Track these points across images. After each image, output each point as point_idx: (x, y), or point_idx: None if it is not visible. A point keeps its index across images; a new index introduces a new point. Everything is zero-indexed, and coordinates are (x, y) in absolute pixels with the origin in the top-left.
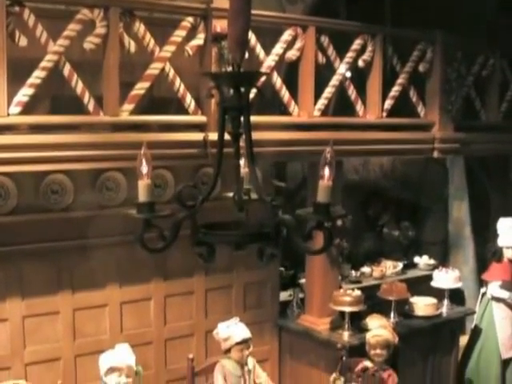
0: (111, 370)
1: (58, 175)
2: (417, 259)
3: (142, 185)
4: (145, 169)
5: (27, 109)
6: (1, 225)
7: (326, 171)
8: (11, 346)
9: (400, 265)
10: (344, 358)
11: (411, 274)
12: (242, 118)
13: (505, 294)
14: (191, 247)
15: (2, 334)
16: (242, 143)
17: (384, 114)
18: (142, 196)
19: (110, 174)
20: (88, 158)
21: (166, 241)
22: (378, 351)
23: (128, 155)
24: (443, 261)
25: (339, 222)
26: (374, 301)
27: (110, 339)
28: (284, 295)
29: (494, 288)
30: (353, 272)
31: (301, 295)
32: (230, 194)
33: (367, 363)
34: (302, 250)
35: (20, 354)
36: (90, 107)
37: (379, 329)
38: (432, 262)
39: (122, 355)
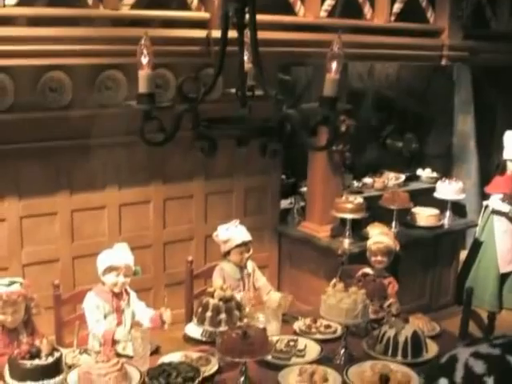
0: (109, 269)
1: (56, 72)
2: (419, 172)
3: (143, 75)
4: (145, 59)
5: (25, 0)
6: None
7: (334, 64)
8: (8, 247)
9: (402, 177)
10: (344, 265)
11: (413, 186)
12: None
13: (506, 208)
14: (192, 142)
15: None
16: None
17: (392, 18)
18: (143, 87)
19: (110, 72)
20: (87, 53)
21: (167, 134)
22: (379, 258)
23: (128, 51)
24: (446, 174)
25: (343, 128)
26: (375, 211)
27: (109, 241)
28: (284, 203)
29: (495, 201)
30: (354, 182)
31: (301, 203)
32: (233, 90)
33: (368, 270)
34: (307, 145)
35: (17, 254)
36: (90, 0)
37: (380, 236)
38: (435, 174)
39: (120, 254)
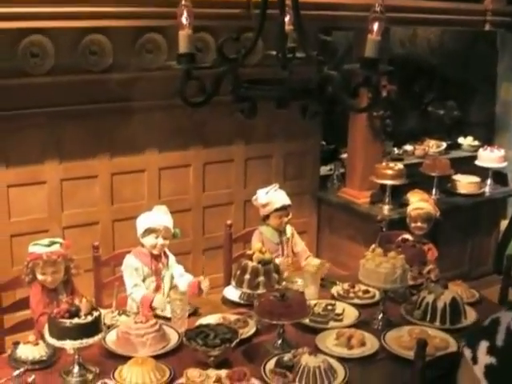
0: (148, 230)
1: (96, 35)
2: (461, 140)
3: (183, 35)
4: (185, 19)
5: None
6: (38, 85)
7: (375, 25)
8: (49, 210)
9: (443, 144)
10: (383, 230)
11: (454, 154)
12: None
13: None
14: (232, 104)
15: (40, 196)
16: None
17: None
18: (183, 47)
19: (150, 35)
20: (127, 15)
21: (207, 94)
22: (419, 224)
23: (168, 13)
24: (488, 143)
25: (384, 93)
26: (415, 178)
27: (148, 205)
28: (324, 170)
29: None
30: (395, 149)
31: (341, 170)
32: (273, 53)
33: (407, 236)
34: (348, 107)
35: (57, 217)
36: None
37: (421, 202)
38: (476, 143)
39: (159, 216)
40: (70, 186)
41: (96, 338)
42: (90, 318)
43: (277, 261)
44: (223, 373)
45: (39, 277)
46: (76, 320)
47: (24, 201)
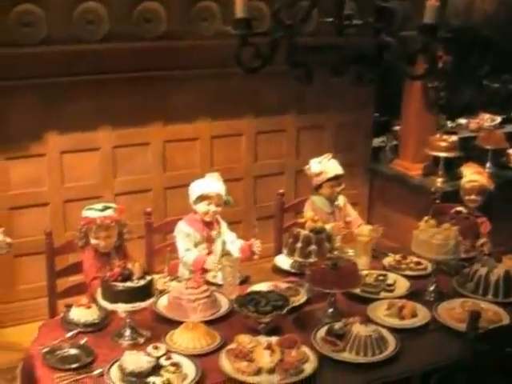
0: (201, 197)
1: (151, 3)
2: None
3: (238, 0)
4: None
5: None
6: (93, 52)
7: None
8: (102, 176)
9: (498, 118)
10: (437, 202)
11: (509, 128)
12: None
13: None
14: (287, 70)
15: (93, 163)
16: None
17: None
18: (239, 11)
19: (205, 3)
20: None
21: (263, 60)
22: (473, 197)
23: None
24: None
25: (440, 64)
26: (469, 151)
27: (200, 173)
28: (376, 142)
29: None
30: (448, 123)
31: (394, 142)
32: (330, 20)
33: (460, 208)
34: (404, 74)
35: (110, 183)
36: None
37: (475, 175)
38: None
39: (212, 183)
40: (123, 153)
41: (148, 302)
42: (142, 282)
43: (327, 226)
44: (274, 340)
45: (92, 241)
46: (129, 284)
47: (77, 167)
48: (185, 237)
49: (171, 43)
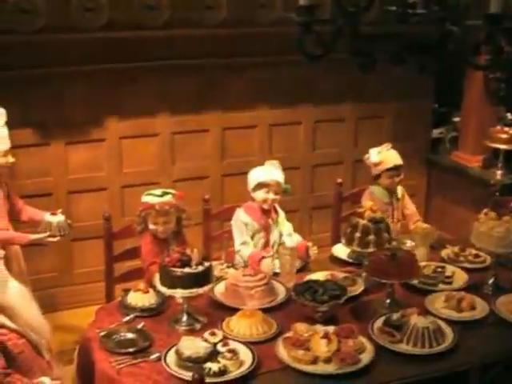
0: (260, 185)
1: None
2: None
3: None
4: None
5: None
6: (154, 38)
7: None
8: (160, 162)
9: None
10: (496, 195)
11: None
12: None
13: None
14: (349, 58)
15: (151, 149)
16: None
17: None
18: None
19: None
20: None
21: (325, 47)
22: None
23: None
24: None
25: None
26: None
27: (258, 161)
28: (435, 133)
29: None
30: (508, 115)
31: (453, 133)
32: (393, 8)
33: None
34: (468, 64)
35: (168, 170)
36: None
37: None
38: None
39: (271, 171)
40: (181, 140)
41: (206, 288)
42: (200, 268)
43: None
44: (330, 329)
45: (151, 226)
46: (187, 269)
47: (136, 153)
48: (242, 226)
49: (231, 31)
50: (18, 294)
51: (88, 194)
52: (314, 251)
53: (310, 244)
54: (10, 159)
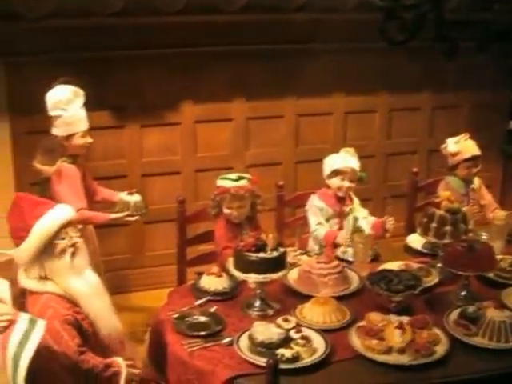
0: (335, 172)
1: None
2: None
3: None
4: None
5: None
6: (231, 22)
7: None
8: (234, 147)
9: None
10: None
11: None
12: None
13: None
14: (433, 43)
15: (225, 134)
16: None
17: None
18: None
19: None
20: None
21: (409, 33)
22: None
23: None
24: None
25: None
26: None
27: (332, 148)
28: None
29: None
30: None
31: None
32: None
33: None
34: None
35: (242, 155)
36: None
37: None
38: None
39: (346, 159)
40: (256, 125)
41: (280, 274)
42: (275, 254)
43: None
44: (405, 319)
45: (225, 210)
46: (262, 254)
47: (210, 137)
48: (317, 211)
49: (308, 16)
50: (89, 286)
51: (162, 177)
52: (390, 223)
53: (386, 217)
54: (88, 140)
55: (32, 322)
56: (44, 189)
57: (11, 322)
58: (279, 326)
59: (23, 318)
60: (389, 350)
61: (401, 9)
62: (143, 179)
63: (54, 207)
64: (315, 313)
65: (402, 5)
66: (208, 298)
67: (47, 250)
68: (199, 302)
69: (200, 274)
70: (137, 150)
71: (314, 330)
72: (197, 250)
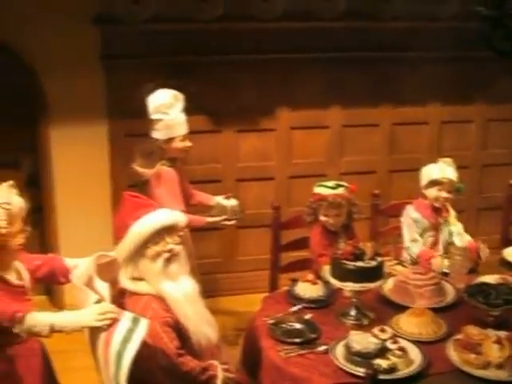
0: (432, 183)
1: None
2: None
3: None
4: None
5: None
6: (330, 29)
7: None
8: (328, 154)
9: None
10: None
11: None
12: None
13: None
14: None
15: (321, 141)
16: None
17: None
18: None
19: None
20: None
21: None
22: None
23: None
24: None
25: None
26: None
27: (426, 158)
28: None
29: None
30: None
31: None
32: None
33: None
34: None
35: (336, 162)
36: None
37: None
38: None
39: (445, 169)
40: (351, 133)
41: (377, 284)
42: (373, 263)
43: None
44: (503, 334)
45: (321, 218)
46: (360, 263)
47: (305, 144)
48: (412, 224)
49: (407, 23)
50: (182, 292)
51: (256, 182)
52: (485, 252)
53: (481, 245)
54: (188, 144)
55: (135, 321)
56: (142, 191)
57: (114, 320)
58: (376, 336)
59: (126, 317)
60: (487, 365)
61: (507, 18)
62: (237, 184)
63: (154, 210)
64: (411, 324)
65: (509, 14)
66: (303, 304)
67: (141, 252)
68: (294, 308)
69: (295, 281)
70: (232, 154)
71: (409, 341)
72: (288, 256)
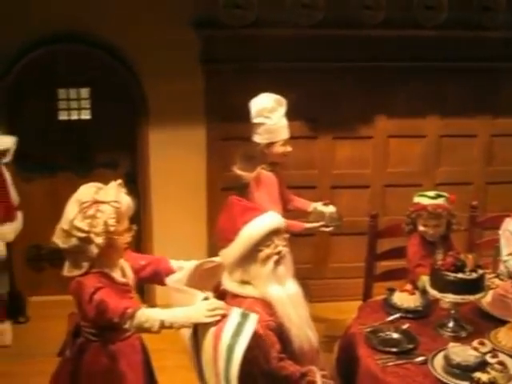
0: None
1: None
2: None
3: None
4: None
5: None
6: (430, 38)
7: None
8: (424, 164)
9: None
10: None
11: None
12: None
13: None
14: None
15: (417, 150)
16: None
17: None
18: None
19: None
20: None
21: None
22: None
23: None
24: None
25: None
26: None
27: None
28: None
29: None
30: None
31: None
32: None
33: None
34: None
35: (432, 172)
36: None
37: None
38: None
39: None
40: (449, 143)
41: (477, 296)
42: (474, 275)
43: None
44: None
45: (420, 228)
46: (460, 275)
47: (401, 153)
48: (510, 237)
49: (509, 33)
50: (287, 295)
51: (350, 190)
52: None
53: None
54: (288, 149)
55: (244, 316)
56: (241, 194)
57: (224, 316)
58: (476, 349)
59: (235, 312)
60: None
61: None
62: (332, 191)
63: (263, 214)
64: (511, 338)
65: None
66: (400, 314)
67: (252, 255)
68: (391, 318)
69: (392, 290)
70: (328, 161)
71: (510, 356)
72: (381, 265)
